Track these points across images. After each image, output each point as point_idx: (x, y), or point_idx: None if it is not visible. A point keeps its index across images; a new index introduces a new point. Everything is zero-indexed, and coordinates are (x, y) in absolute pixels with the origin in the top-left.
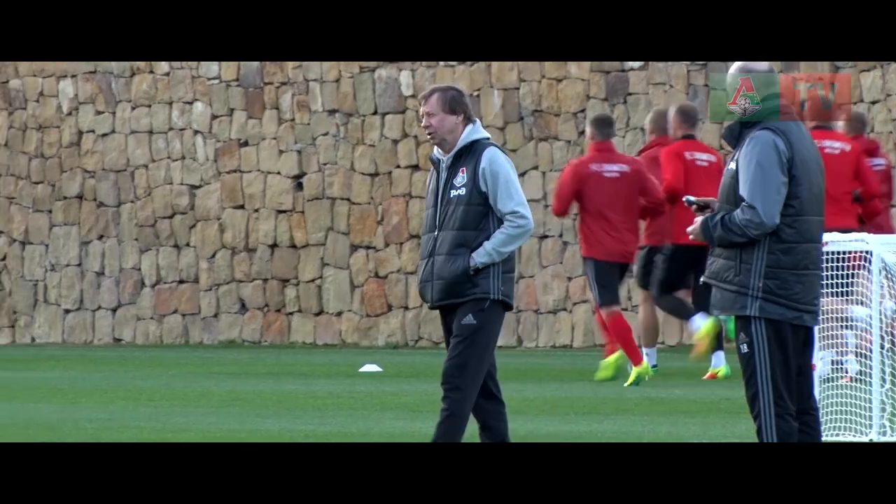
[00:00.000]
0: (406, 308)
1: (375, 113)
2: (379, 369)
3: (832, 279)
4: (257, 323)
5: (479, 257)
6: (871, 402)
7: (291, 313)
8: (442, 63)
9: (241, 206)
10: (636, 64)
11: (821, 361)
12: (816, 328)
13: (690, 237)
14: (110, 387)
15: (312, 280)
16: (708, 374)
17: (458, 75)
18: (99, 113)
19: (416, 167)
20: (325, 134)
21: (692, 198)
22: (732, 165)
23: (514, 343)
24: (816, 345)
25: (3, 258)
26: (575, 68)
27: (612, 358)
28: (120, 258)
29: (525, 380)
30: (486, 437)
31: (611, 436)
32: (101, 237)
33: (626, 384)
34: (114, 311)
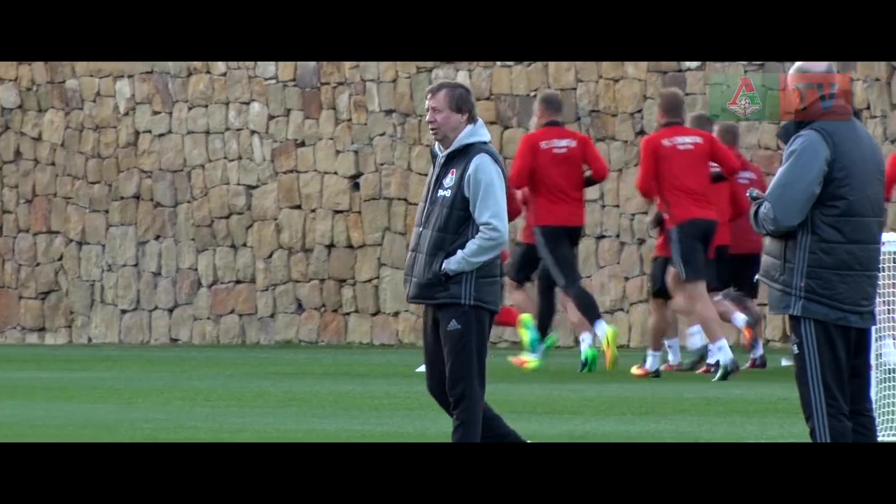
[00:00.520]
0: None
1: None
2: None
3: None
4: (314, 323)
5: (450, 265)
6: None
7: (348, 313)
8: (499, 63)
9: (298, 207)
10: (693, 64)
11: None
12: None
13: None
14: (167, 387)
15: (369, 280)
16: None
17: (515, 75)
18: (156, 113)
19: None
20: (382, 134)
21: (755, 191)
22: None
23: (571, 343)
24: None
25: (60, 258)
26: (632, 68)
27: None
28: (177, 258)
29: (583, 380)
30: (455, 435)
31: (668, 436)
32: (157, 237)
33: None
34: (170, 311)
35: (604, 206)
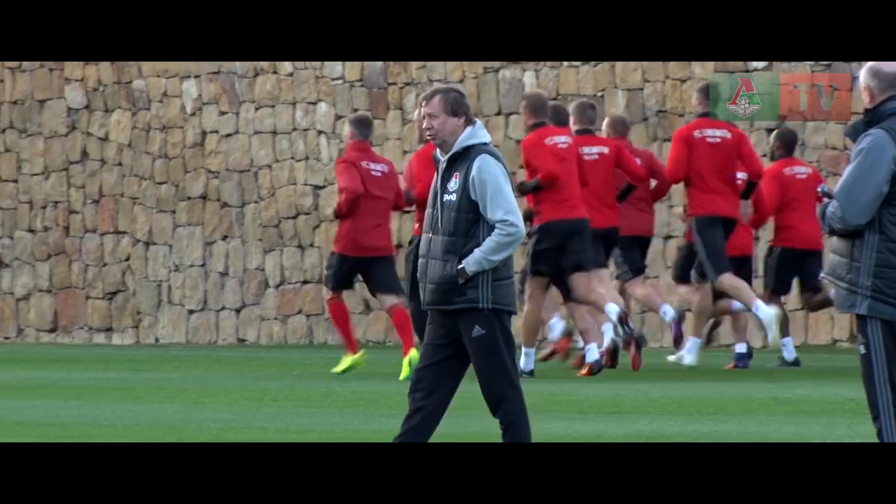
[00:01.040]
0: None
1: (499, 113)
2: None
3: None
4: (381, 323)
5: (469, 265)
6: None
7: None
8: (566, 63)
9: None
10: (760, 64)
11: None
12: None
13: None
14: (234, 387)
15: None
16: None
17: (582, 76)
18: (223, 113)
19: None
20: None
21: (825, 187)
22: None
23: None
24: None
25: (127, 259)
26: (699, 68)
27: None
28: (244, 258)
29: (649, 380)
30: (407, 424)
31: (735, 436)
32: (224, 237)
33: (334, 370)
34: (237, 311)
35: (671, 207)
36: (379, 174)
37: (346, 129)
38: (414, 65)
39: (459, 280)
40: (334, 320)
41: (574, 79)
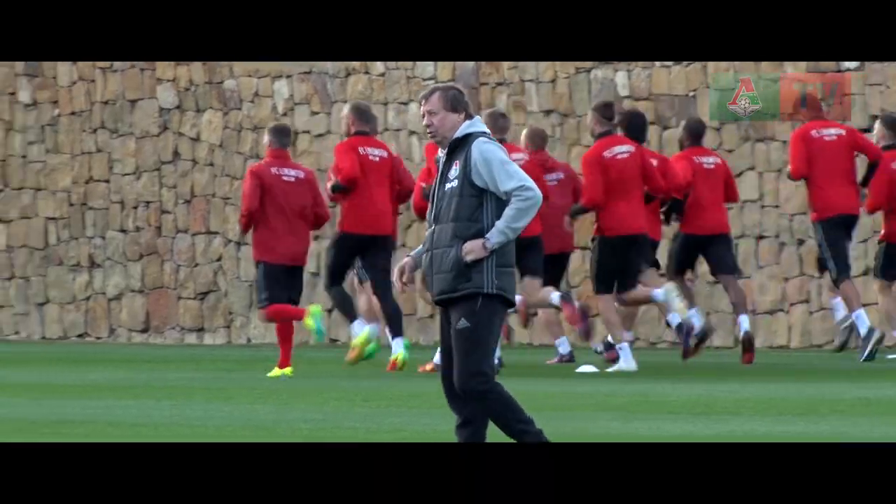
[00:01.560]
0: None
1: None
2: (595, 370)
3: None
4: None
5: (493, 238)
6: None
7: (509, 314)
8: (658, 63)
9: None
10: (852, 64)
11: None
12: None
13: None
14: (325, 387)
15: None
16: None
17: (674, 76)
18: (314, 114)
19: None
20: None
21: None
22: None
23: (731, 344)
24: None
25: (219, 259)
26: (791, 69)
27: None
28: None
29: (741, 380)
30: (462, 434)
31: (827, 436)
32: (316, 238)
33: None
34: (329, 311)
35: (763, 207)
36: (292, 180)
37: (265, 138)
38: (506, 65)
39: (484, 252)
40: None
41: (666, 79)
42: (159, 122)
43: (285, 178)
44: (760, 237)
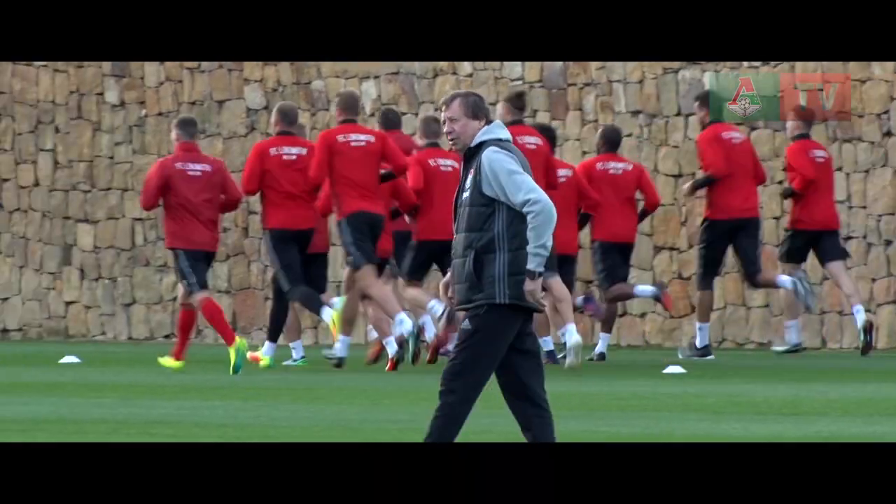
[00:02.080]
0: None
1: (679, 114)
2: (683, 371)
3: None
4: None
5: (532, 264)
6: None
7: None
8: (745, 63)
9: None
10: None
11: None
12: None
13: None
14: (413, 388)
15: None
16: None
17: (762, 76)
18: (402, 114)
19: None
20: (629, 135)
21: None
22: None
23: (818, 344)
24: None
25: None
26: (879, 69)
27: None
28: None
29: (828, 381)
30: (529, 437)
31: None
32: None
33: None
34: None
35: (850, 207)
36: (199, 173)
37: (172, 133)
38: (594, 65)
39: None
40: (207, 319)
41: (754, 79)
42: (247, 123)
43: (190, 173)
44: (848, 237)
